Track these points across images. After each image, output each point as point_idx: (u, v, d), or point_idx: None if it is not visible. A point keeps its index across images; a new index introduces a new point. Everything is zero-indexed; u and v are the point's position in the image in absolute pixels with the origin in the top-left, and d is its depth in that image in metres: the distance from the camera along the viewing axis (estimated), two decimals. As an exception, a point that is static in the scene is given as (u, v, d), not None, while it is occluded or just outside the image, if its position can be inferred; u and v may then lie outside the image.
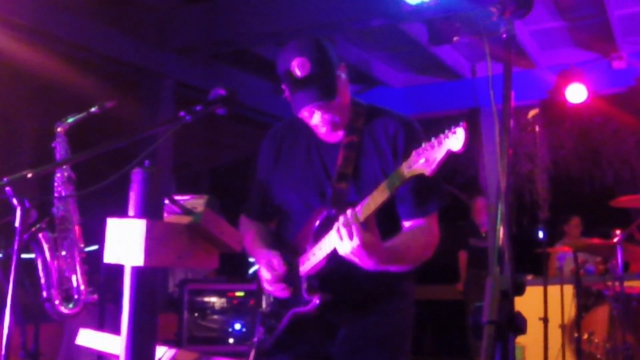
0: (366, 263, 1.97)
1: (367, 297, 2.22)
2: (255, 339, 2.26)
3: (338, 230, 1.96)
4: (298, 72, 2.09)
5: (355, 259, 1.96)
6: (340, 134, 2.24)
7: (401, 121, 2.24)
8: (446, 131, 1.79)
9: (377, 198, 1.93)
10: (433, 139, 1.82)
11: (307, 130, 2.29)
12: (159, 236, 1.43)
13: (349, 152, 2.22)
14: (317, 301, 2.13)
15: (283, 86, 2.18)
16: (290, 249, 2.25)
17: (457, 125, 1.76)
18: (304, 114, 2.16)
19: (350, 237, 1.93)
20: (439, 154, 1.80)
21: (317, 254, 2.12)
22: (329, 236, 2.05)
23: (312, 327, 2.22)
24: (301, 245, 2.22)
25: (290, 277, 2.20)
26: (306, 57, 2.10)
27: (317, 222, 2.17)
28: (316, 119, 2.17)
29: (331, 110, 2.15)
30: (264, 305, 2.33)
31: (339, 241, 1.95)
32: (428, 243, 2.20)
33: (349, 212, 1.97)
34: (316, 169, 2.26)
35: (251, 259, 7.80)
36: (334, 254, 2.04)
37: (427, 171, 1.83)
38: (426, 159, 1.82)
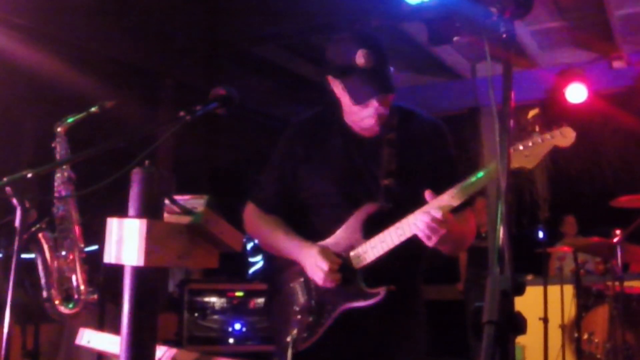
0: (450, 249, 2.14)
1: (402, 293, 2.24)
2: (289, 338, 2.21)
3: (429, 220, 2.03)
4: (364, 63, 2.12)
5: (443, 246, 2.09)
6: (375, 129, 2.27)
7: (437, 123, 2.37)
8: (551, 130, 1.99)
9: (468, 190, 2.05)
10: (535, 136, 2.01)
11: (340, 123, 2.32)
12: (159, 236, 1.43)
13: (390, 149, 2.26)
14: (383, 294, 2.14)
15: (331, 76, 2.22)
16: (332, 242, 2.23)
17: (561, 125, 2.00)
18: (359, 105, 2.19)
19: (444, 225, 2.02)
20: (543, 150, 1.99)
21: (377, 247, 2.16)
22: (397, 229, 2.12)
23: (356, 322, 2.22)
24: (346, 239, 2.22)
25: (342, 270, 2.19)
26: (371, 49, 2.13)
27: (366, 216, 2.20)
28: (369, 112, 2.19)
29: (386, 104, 2.20)
30: (296, 301, 2.28)
31: (427, 230, 2.04)
32: (473, 232, 2.35)
33: (438, 202, 2.06)
34: (356, 163, 2.28)
35: (253, 259, 7.80)
36: (396, 247, 2.13)
37: (530, 165, 2.01)
38: (528, 155, 1.99)
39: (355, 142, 2.30)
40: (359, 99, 2.16)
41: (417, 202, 2.12)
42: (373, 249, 2.16)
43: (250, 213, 2.45)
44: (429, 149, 2.29)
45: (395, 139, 2.27)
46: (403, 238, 2.12)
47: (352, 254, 2.20)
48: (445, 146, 2.33)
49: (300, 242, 2.27)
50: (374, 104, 2.17)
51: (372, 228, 2.17)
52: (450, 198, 2.06)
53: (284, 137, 2.41)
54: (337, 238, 2.24)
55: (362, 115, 2.21)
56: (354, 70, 2.13)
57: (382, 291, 2.14)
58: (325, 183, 2.29)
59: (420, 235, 2.06)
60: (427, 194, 2.08)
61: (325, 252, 2.19)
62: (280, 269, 2.37)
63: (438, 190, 2.10)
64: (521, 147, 2.02)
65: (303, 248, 2.25)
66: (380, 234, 2.15)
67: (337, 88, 2.23)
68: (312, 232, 2.29)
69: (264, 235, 2.41)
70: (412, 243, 2.12)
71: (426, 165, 2.27)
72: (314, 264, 2.19)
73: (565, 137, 2.01)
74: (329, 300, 2.22)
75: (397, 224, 2.12)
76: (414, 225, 2.07)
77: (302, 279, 2.28)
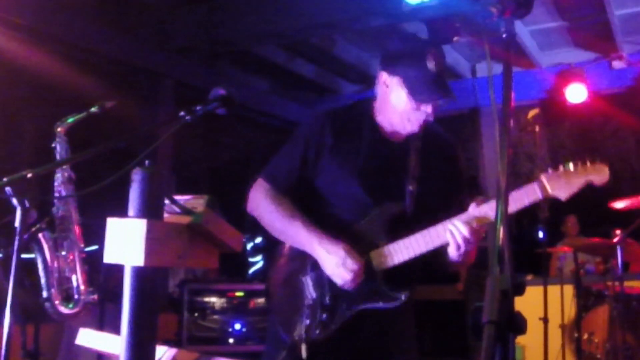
0: (464, 260, 2.16)
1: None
2: (301, 332, 2.19)
3: (467, 232, 2.07)
4: (434, 66, 2.16)
5: (468, 257, 2.14)
6: (402, 135, 2.31)
7: (452, 139, 2.42)
8: (585, 163, 2.03)
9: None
10: (571, 166, 2.04)
11: (370, 121, 2.33)
12: (159, 236, 1.43)
13: (416, 156, 2.30)
14: (404, 298, 2.16)
15: (389, 71, 2.23)
16: (350, 237, 2.21)
17: (595, 160, 2.03)
18: (416, 104, 2.21)
19: (474, 239, 2.07)
20: (577, 182, 2.04)
21: (402, 252, 2.17)
22: (424, 237, 2.14)
23: (366, 322, 2.23)
24: (367, 236, 2.22)
25: (364, 271, 2.19)
26: (439, 53, 2.18)
27: (390, 217, 2.21)
28: (420, 115, 2.22)
29: (434, 112, 2.24)
30: (307, 296, 2.25)
31: (461, 241, 2.07)
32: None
33: (467, 216, 2.09)
34: (382, 162, 2.29)
35: (253, 259, 7.77)
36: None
37: (564, 197, 2.07)
38: (564, 185, 2.06)
39: (383, 142, 2.31)
40: (421, 99, 2.19)
41: (435, 212, 2.17)
42: (397, 253, 2.17)
43: (262, 191, 2.35)
44: (445, 164, 2.35)
45: (420, 147, 2.31)
46: (431, 246, 2.13)
47: (372, 254, 2.20)
48: (458, 164, 2.40)
49: (320, 236, 2.20)
50: (428, 108, 2.20)
51: (395, 230, 2.19)
52: (484, 214, 2.11)
53: (313, 123, 2.37)
54: (357, 234, 2.22)
55: (410, 117, 2.23)
56: (421, 71, 2.16)
57: (403, 296, 2.16)
58: (349, 176, 2.28)
59: (453, 243, 2.09)
60: (472, 206, 2.13)
61: (352, 253, 2.17)
62: (288, 257, 2.34)
63: (450, 204, 2.18)
64: (559, 170, 2.06)
65: (325, 243, 2.19)
66: (406, 239, 2.16)
67: (391, 84, 2.24)
68: (326, 222, 2.25)
69: (276, 218, 2.30)
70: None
71: (441, 178, 2.32)
72: (340, 263, 2.15)
73: (600, 173, 2.05)
74: (344, 298, 2.20)
75: (424, 232, 2.14)
76: (447, 233, 2.11)
77: (314, 273, 2.25)
